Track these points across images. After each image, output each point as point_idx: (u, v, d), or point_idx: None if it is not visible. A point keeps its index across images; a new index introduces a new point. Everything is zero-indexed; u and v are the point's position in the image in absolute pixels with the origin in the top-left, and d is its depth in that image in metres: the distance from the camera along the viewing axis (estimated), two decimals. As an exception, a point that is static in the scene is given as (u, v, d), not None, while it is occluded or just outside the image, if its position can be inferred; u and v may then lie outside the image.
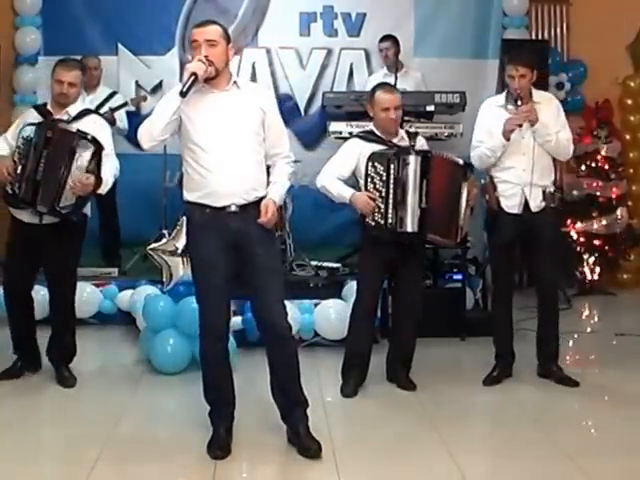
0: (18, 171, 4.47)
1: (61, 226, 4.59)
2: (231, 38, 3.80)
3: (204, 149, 3.68)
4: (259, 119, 3.75)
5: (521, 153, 4.71)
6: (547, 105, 4.77)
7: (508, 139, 4.66)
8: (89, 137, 4.54)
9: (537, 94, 4.79)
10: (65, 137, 4.53)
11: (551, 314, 4.89)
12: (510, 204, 4.75)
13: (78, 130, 4.55)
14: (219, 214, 3.70)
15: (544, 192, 4.74)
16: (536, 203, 4.73)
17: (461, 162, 4.65)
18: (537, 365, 4.95)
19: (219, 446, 3.78)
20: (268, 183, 3.82)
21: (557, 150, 4.76)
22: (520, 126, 4.64)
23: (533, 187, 4.71)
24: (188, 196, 3.78)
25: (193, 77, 3.58)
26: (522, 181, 4.71)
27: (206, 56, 3.63)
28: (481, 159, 4.81)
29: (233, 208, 3.69)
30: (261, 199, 3.74)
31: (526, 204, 4.72)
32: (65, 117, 4.62)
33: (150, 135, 3.68)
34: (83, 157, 4.51)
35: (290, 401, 3.88)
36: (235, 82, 3.77)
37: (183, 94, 3.58)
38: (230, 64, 3.78)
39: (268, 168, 3.88)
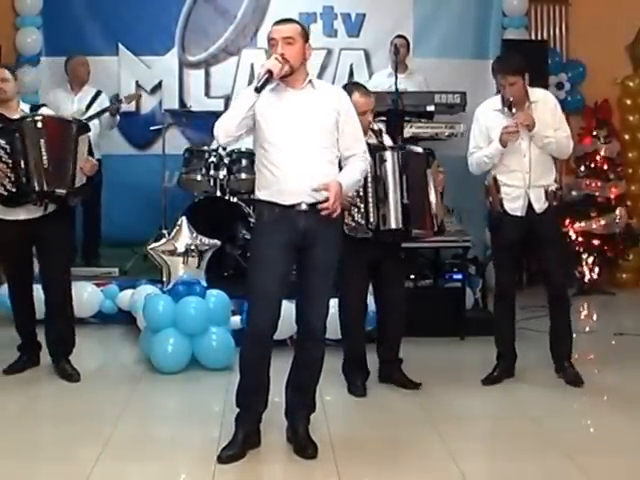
0: (22, 166, 4.50)
1: (56, 215, 4.69)
2: (309, 37, 3.77)
3: (275, 146, 3.68)
4: (333, 119, 3.75)
5: (522, 155, 4.71)
6: (544, 103, 4.76)
7: (505, 146, 4.65)
8: (84, 122, 4.87)
9: (533, 93, 4.76)
10: (61, 124, 4.74)
11: (562, 313, 4.88)
12: (514, 206, 4.75)
13: (73, 117, 4.85)
14: (289, 212, 3.68)
15: (546, 191, 4.74)
16: (539, 204, 4.73)
17: (421, 150, 4.66)
18: (554, 364, 4.95)
19: (228, 453, 3.73)
20: None
21: (559, 150, 4.76)
22: (517, 132, 4.61)
23: (534, 188, 4.72)
24: (259, 194, 3.78)
25: (268, 74, 3.59)
26: (524, 183, 4.72)
27: (282, 54, 3.63)
28: (479, 165, 4.82)
29: (303, 207, 3.68)
30: None
31: (530, 205, 4.73)
32: (23, 114, 4.71)
33: (226, 131, 3.70)
34: (83, 141, 4.70)
35: (300, 401, 3.89)
36: (310, 81, 3.77)
37: (257, 90, 3.60)
38: (308, 63, 3.77)
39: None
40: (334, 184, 3.65)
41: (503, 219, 4.80)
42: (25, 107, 4.81)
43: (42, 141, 4.54)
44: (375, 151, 4.48)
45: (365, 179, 4.41)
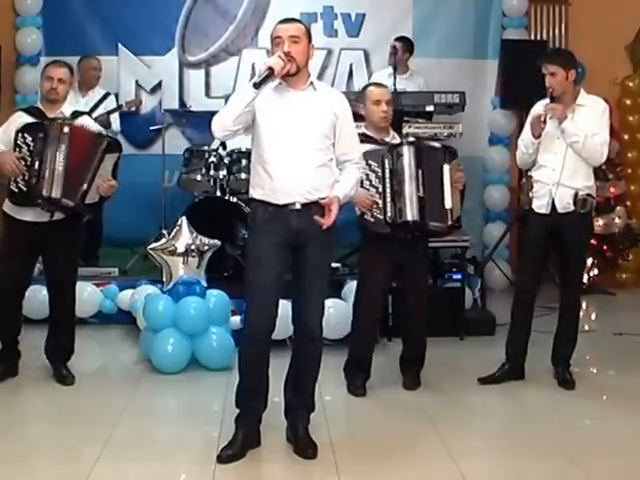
0: (35, 167, 4.44)
1: (65, 223, 4.61)
2: (312, 37, 3.78)
3: (271, 145, 3.69)
4: (330, 123, 3.75)
5: (553, 152, 4.68)
6: (591, 109, 4.68)
7: (536, 136, 4.64)
8: (116, 140, 4.71)
9: (585, 97, 4.71)
10: (90, 136, 4.58)
11: (570, 319, 4.87)
12: (539, 204, 4.74)
13: (107, 135, 4.64)
14: (282, 212, 3.70)
15: (576, 195, 4.67)
16: (562, 204, 4.67)
17: (438, 145, 4.70)
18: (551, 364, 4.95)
19: (228, 453, 3.74)
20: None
21: (585, 153, 4.63)
22: (544, 122, 4.60)
23: (560, 187, 4.66)
24: (253, 193, 3.79)
25: (269, 71, 3.59)
26: (551, 180, 4.68)
27: (289, 52, 3.63)
28: (519, 156, 4.87)
29: (297, 206, 3.69)
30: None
31: (553, 204, 4.69)
32: (60, 116, 4.63)
33: (223, 125, 3.71)
34: (110, 160, 4.57)
35: (299, 400, 3.90)
36: (312, 83, 3.78)
37: (256, 86, 3.60)
38: (310, 64, 3.77)
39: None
40: (334, 202, 3.69)
41: (529, 217, 4.83)
42: (67, 111, 4.69)
43: (63, 147, 4.46)
44: (393, 148, 4.54)
45: (383, 175, 4.48)
